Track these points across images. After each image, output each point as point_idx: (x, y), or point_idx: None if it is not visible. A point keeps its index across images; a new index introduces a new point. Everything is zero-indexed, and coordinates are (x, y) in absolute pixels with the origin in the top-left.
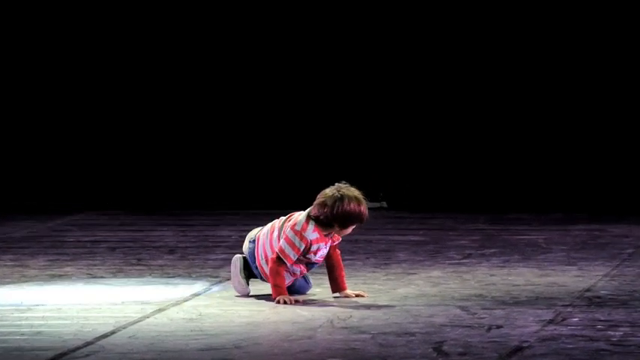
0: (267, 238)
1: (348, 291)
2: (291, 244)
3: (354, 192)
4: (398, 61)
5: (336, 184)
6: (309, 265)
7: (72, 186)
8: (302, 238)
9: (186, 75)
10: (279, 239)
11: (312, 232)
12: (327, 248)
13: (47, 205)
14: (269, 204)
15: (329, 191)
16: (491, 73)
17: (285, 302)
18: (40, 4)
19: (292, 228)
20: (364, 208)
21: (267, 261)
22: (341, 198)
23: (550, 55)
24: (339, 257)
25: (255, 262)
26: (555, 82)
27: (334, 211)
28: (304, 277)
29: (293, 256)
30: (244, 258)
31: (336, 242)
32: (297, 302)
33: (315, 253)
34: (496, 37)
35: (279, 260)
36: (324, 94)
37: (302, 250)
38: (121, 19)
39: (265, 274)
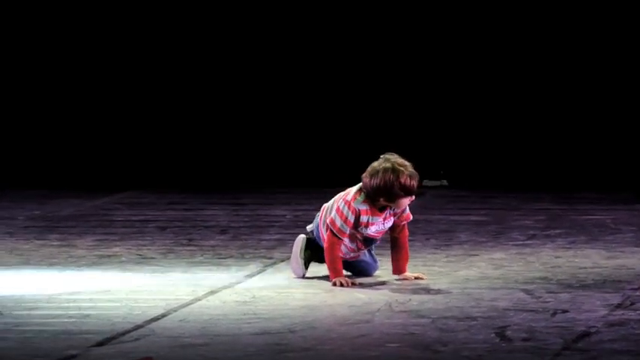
0: (325, 214)
1: (407, 273)
2: (341, 215)
3: (403, 163)
4: (454, 37)
5: (384, 155)
6: (367, 241)
7: (119, 163)
8: (350, 207)
9: (229, 51)
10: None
11: (361, 203)
12: (386, 225)
13: (94, 182)
14: (324, 182)
15: (377, 163)
16: (549, 50)
17: (341, 284)
18: None
19: (343, 199)
20: (412, 180)
21: (324, 239)
22: (389, 170)
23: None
24: (405, 238)
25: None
26: (616, 57)
27: (380, 183)
28: (371, 255)
29: (344, 228)
30: (308, 239)
31: (404, 222)
32: (354, 285)
33: (367, 226)
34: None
35: (332, 235)
36: (380, 69)
37: (352, 221)
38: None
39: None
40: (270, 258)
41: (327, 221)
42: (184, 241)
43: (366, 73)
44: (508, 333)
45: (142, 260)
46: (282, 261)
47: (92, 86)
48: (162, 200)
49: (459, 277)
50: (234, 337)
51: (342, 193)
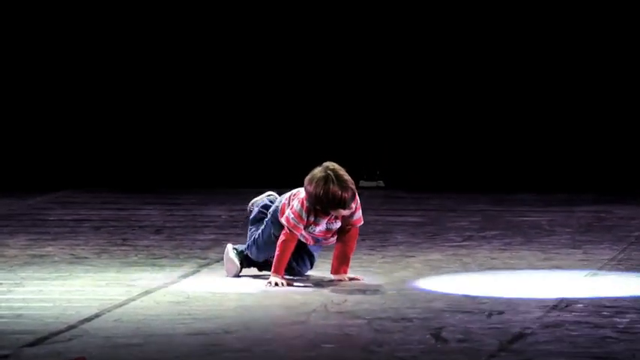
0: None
1: (343, 274)
2: (296, 214)
3: (339, 174)
4: (395, 38)
5: (324, 163)
6: (316, 240)
7: (52, 162)
8: (304, 206)
9: (171, 52)
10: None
11: (304, 211)
12: (333, 226)
13: (26, 181)
14: (259, 182)
15: (316, 171)
16: (491, 49)
17: (276, 284)
18: None
19: (298, 198)
20: (343, 193)
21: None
22: (321, 180)
23: (549, 31)
24: (350, 240)
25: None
26: (560, 57)
27: (313, 192)
28: (310, 259)
29: (298, 224)
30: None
31: (350, 226)
32: (289, 285)
33: (316, 225)
34: (491, 15)
35: (288, 231)
36: (318, 70)
37: (306, 219)
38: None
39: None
40: (205, 258)
41: (282, 219)
42: (118, 241)
43: (304, 73)
44: (444, 334)
45: (76, 260)
46: (217, 261)
47: (26, 83)
48: (96, 200)
49: (395, 278)
50: (169, 338)
51: (294, 191)
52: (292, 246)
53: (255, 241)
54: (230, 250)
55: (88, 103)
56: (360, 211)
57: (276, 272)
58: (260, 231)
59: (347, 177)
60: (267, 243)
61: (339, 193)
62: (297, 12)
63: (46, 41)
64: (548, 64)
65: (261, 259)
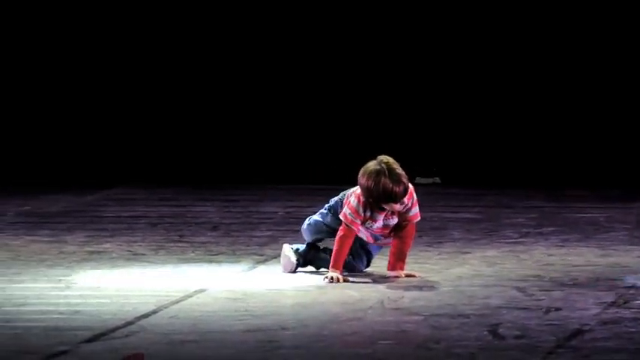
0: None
1: (399, 271)
2: (352, 208)
3: (392, 168)
4: (450, 36)
5: (379, 157)
6: (375, 238)
7: (109, 159)
8: (360, 200)
9: (220, 52)
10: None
11: (360, 205)
12: (390, 222)
13: (84, 178)
14: (315, 179)
15: (371, 164)
16: (541, 50)
17: (331, 279)
18: None
19: (355, 193)
20: (395, 187)
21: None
22: (373, 173)
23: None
24: (407, 237)
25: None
26: (609, 55)
27: (366, 184)
28: (367, 256)
29: (356, 219)
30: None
31: (407, 222)
32: (345, 281)
33: (373, 222)
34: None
35: (346, 227)
36: (374, 65)
37: (362, 213)
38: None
39: None
40: (262, 255)
41: (340, 215)
42: (175, 238)
43: (360, 71)
44: (501, 331)
45: (133, 257)
46: (274, 258)
47: (80, 82)
48: (152, 196)
49: (452, 274)
50: (225, 334)
51: (355, 188)
52: (350, 242)
53: (310, 220)
54: (287, 248)
55: (146, 99)
56: (417, 207)
57: (335, 268)
58: (317, 215)
59: (400, 171)
60: (315, 227)
61: (391, 186)
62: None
63: (89, 37)
64: (601, 62)
65: (307, 239)
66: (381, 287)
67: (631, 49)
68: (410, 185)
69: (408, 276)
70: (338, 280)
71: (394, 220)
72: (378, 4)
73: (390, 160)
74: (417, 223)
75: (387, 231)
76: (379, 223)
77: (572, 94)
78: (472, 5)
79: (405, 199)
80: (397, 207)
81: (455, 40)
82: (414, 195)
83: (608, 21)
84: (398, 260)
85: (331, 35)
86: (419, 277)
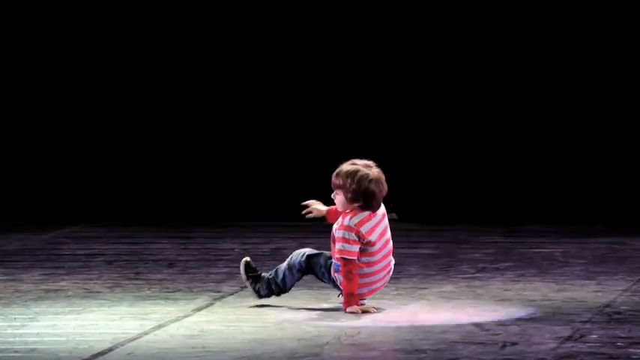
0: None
1: (354, 306)
2: (344, 240)
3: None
4: (403, 67)
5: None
6: (386, 253)
7: (66, 197)
8: (347, 228)
9: (181, 84)
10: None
11: (350, 219)
12: (385, 223)
13: (41, 217)
14: (273, 216)
15: (343, 166)
16: (507, 80)
17: (359, 312)
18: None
19: (338, 228)
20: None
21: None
22: (353, 169)
23: (572, 62)
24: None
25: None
26: (575, 90)
27: (352, 181)
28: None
29: (350, 248)
30: (247, 262)
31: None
32: (371, 312)
33: (372, 231)
34: (507, 40)
35: (345, 262)
36: (329, 101)
37: (356, 238)
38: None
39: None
40: (219, 292)
41: (336, 255)
42: (131, 275)
43: (310, 107)
44: None
45: (89, 294)
46: (231, 294)
47: (35, 118)
48: (109, 234)
49: (409, 309)
50: None
51: (335, 226)
52: (355, 275)
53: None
54: (242, 272)
55: (102, 138)
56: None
57: (350, 303)
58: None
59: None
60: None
61: (369, 172)
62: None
63: (60, 68)
64: (562, 94)
65: (284, 282)
66: (338, 323)
67: (585, 85)
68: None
69: (364, 312)
70: (373, 311)
71: (386, 221)
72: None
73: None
74: None
75: (389, 238)
76: (378, 230)
77: (527, 130)
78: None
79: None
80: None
81: (408, 67)
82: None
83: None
84: (346, 294)
85: (278, 64)
86: (375, 312)
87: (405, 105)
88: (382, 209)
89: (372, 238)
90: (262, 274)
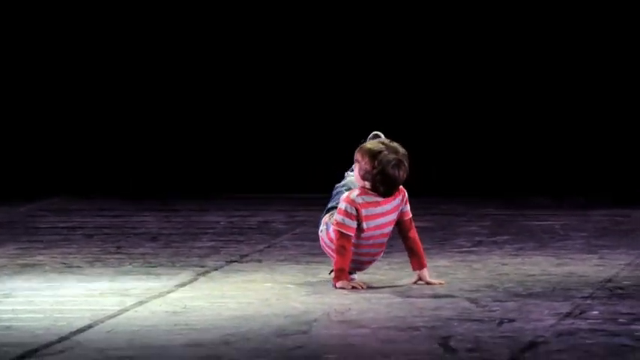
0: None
1: (429, 278)
2: (342, 212)
3: (396, 147)
4: (399, 41)
5: (376, 138)
6: (375, 244)
7: (45, 168)
8: (351, 202)
9: (165, 54)
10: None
11: (357, 196)
12: (388, 219)
13: (18, 188)
14: (259, 188)
15: (370, 144)
16: (503, 50)
17: (349, 288)
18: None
19: (342, 199)
20: (403, 167)
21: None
22: (379, 151)
23: (563, 35)
24: (416, 233)
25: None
26: (578, 58)
27: (371, 166)
28: None
29: (350, 223)
30: None
31: (407, 217)
32: (360, 288)
33: (370, 219)
34: (501, 12)
35: (341, 236)
36: (320, 75)
37: (354, 213)
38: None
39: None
40: (203, 266)
41: (333, 224)
42: (112, 249)
43: (302, 79)
44: (452, 343)
45: (68, 269)
46: (216, 269)
47: (18, 87)
48: (90, 207)
49: (402, 285)
50: (164, 349)
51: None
52: (350, 248)
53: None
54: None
55: (83, 108)
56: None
57: (340, 278)
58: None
59: (402, 150)
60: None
61: (393, 163)
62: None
63: (36, 43)
64: (565, 65)
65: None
66: (327, 299)
67: (588, 60)
68: None
69: (354, 288)
70: (354, 287)
71: (393, 216)
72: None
73: (390, 141)
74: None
75: (387, 234)
76: (378, 221)
77: (527, 99)
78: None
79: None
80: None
81: (408, 49)
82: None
83: (588, 31)
84: (419, 257)
85: (269, 43)
86: (364, 287)
87: (402, 76)
88: (396, 202)
89: (366, 226)
90: None
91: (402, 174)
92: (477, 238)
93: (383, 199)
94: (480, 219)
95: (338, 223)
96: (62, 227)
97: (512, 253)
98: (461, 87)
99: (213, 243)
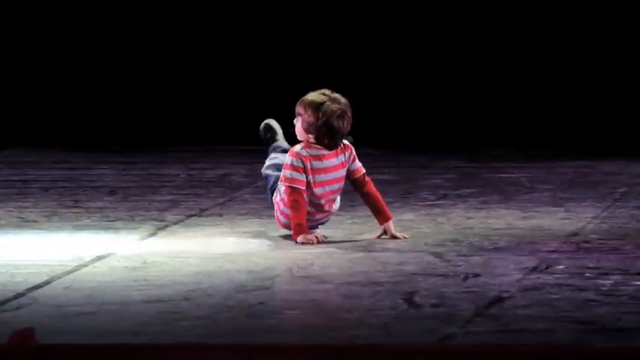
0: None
1: (396, 232)
2: (289, 166)
3: (338, 97)
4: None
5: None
6: (322, 200)
7: None
8: (297, 155)
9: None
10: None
11: (302, 149)
12: (337, 175)
13: None
14: (219, 140)
15: (312, 95)
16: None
17: (310, 242)
18: None
19: (289, 153)
20: (346, 116)
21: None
22: (321, 102)
23: None
24: (371, 185)
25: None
26: (547, 13)
27: (313, 117)
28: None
29: (298, 176)
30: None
31: (360, 173)
32: (320, 242)
33: (316, 173)
34: None
35: (292, 191)
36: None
37: (300, 165)
38: None
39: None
40: (163, 220)
41: (280, 181)
42: (69, 203)
43: (258, 36)
44: (416, 299)
45: (24, 223)
46: (175, 224)
47: None
48: (45, 159)
49: (364, 240)
50: (124, 306)
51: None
52: (303, 201)
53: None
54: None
55: (38, 56)
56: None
57: (301, 232)
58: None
59: (344, 100)
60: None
61: (337, 113)
62: None
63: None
64: (532, 15)
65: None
66: (289, 254)
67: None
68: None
69: (393, 237)
70: (317, 241)
71: (342, 173)
72: None
73: (332, 92)
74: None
75: (336, 190)
76: (323, 177)
77: (493, 50)
78: None
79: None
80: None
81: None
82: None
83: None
84: (382, 212)
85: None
86: (323, 239)
87: (368, 28)
88: (342, 158)
89: (312, 179)
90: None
91: (347, 124)
92: (442, 191)
93: (327, 152)
94: (444, 171)
95: (287, 179)
96: (16, 180)
97: (477, 206)
98: (429, 38)
99: (172, 197)
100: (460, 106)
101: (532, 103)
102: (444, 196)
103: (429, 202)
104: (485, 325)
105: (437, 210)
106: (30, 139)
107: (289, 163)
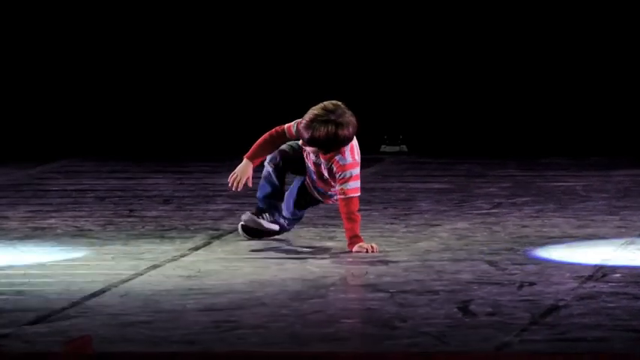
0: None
1: (357, 245)
2: (359, 177)
3: (321, 115)
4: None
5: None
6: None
7: (55, 129)
8: (358, 164)
9: (181, 21)
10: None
11: (357, 154)
12: (322, 167)
13: (28, 150)
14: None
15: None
16: (524, 10)
17: (365, 251)
18: None
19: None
20: (310, 132)
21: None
22: (318, 117)
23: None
24: (345, 210)
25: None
26: (595, 19)
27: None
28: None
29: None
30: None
31: (350, 194)
32: (375, 251)
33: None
34: None
35: (279, 129)
36: (340, 28)
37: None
38: None
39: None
40: (217, 229)
41: (352, 194)
42: (125, 212)
43: (325, 36)
44: (472, 307)
45: (80, 233)
46: (230, 233)
47: (27, 52)
48: (101, 169)
49: (420, 248)
50: (179, 314)
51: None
52: (272, 140)
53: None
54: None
55: (94, 69)
56: (356, 182)
57: (357, 243)
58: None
59: (325, 117)
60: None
61: (311, 127)
62: None
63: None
64: (586, 24)
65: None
66: (343, 263)
67: (608, 18)
68: (352, 158)
69: (367, 250)
70: (373, 250)
71: (325, 173)
72: None
73: (331, 105)
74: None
75: (322, 183)
76: (315, 160)
77: (547, 60)
78: None
79: (322, 157)
80: (309, 149)
81: (424, 6)
82: (352, 170)
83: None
84: (351, 237)
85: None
86: (377, 251)
87: (419, 32)
88: (326, 164)
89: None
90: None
91: (309, 133)
92: (496, 200)
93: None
94: (498, 180)
95: (357, 189)
96: (73, 190)
97: (532, 214)
98: (480, 45)
99: (227, 206)
100: (515, 115)
101: (588, 111)
102: (499, 205)
103: (483, 211)
104: (541, 334)
105: (491, 218)
106: (86, 149)
107: (357, 174)
